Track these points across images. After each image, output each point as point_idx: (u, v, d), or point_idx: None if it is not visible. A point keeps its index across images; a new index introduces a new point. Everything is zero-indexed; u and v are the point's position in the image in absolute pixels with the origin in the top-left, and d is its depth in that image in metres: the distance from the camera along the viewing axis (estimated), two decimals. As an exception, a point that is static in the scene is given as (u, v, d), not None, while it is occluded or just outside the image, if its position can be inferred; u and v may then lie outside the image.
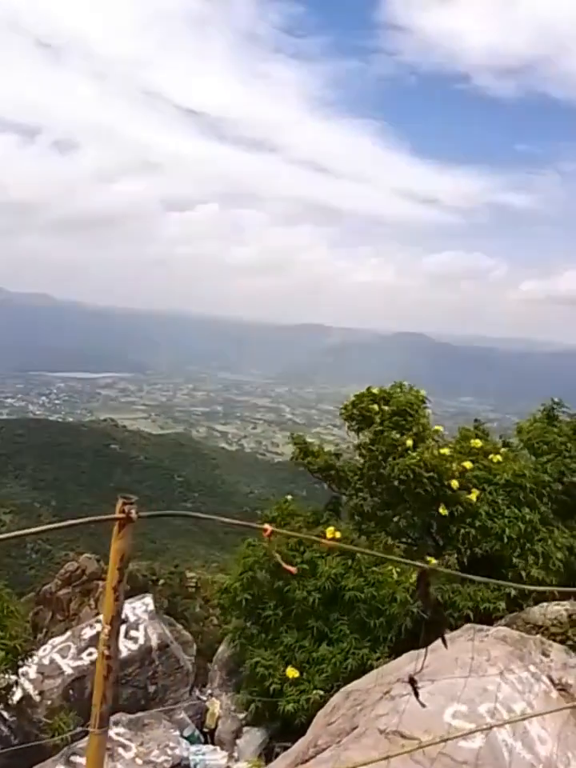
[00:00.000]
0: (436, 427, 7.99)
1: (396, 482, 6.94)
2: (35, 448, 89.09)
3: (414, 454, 6.95)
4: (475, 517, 7.01)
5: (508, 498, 7.23)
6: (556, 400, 8.85)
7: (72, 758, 4.99)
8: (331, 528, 6.73)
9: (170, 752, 5.41)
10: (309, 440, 8.50)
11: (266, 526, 2.44)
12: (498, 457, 7.63)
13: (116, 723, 5.40)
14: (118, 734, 5.34)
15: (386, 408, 7.55)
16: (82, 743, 5.04)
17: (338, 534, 6.64)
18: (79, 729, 5.16)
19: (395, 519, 7.29)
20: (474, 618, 6.73)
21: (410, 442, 7.17)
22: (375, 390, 7.97)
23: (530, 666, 4.32)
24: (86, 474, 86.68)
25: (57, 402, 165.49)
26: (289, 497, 8.08)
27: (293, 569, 4.08)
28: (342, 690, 4.79)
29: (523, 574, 6.83)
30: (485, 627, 4.92)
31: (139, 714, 5.81)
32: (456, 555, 6.90)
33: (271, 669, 6.27)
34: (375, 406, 7.62)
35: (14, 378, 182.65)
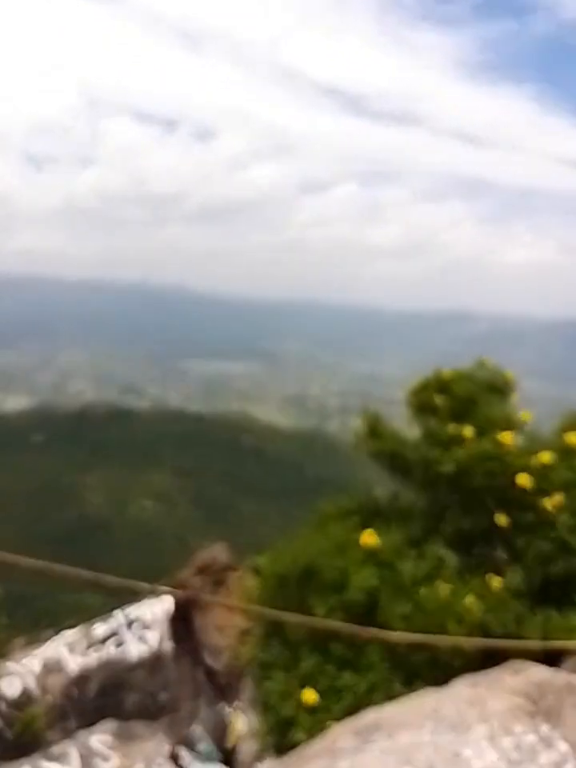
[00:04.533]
0: (523, 414, 6.89)
1: (445, 479, 6.03)
2: (173, 438, 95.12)
3: (468, 445, 6.00)
4: (552, 527, 5.92)
5: (600, 507, 6.04)
6: None
7: (41, 764, 4.82)
8: (369, 531, 5.95)
9: (156, 768, 5.09)
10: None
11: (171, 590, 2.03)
12: (596, 456, 6.41)
13: (102, 730, 5.17)
14: (100, 742, 5.10)
15: (448, 396, 6.62)
16: (59, 747, 4.88)
17: (374, 540, 5.86)
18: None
19: (442, 525, 6.36)
20: (544, 653, 5.70)
21: (469, 433, 6.18)
22: (446, 375, 7.03)
23: (542, 727, 3.39)
24: (219, 465, 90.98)
25: (193, 390, 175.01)
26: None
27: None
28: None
29: (610, 603, 5.66)
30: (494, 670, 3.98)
31: (131, 722, 5.54)
32: (524, 574, 5.87)
33: (287, 695, 5.69)
34: (438, 398, 6.71)
35: (155, 367, 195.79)
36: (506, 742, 3.19)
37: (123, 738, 5.29)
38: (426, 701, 3.54)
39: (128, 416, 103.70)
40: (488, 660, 5.51)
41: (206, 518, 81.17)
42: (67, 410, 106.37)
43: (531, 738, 3.31)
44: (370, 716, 3.57)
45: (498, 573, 5.99)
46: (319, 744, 3.46)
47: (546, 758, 3.25)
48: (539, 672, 4.33)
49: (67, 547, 72.28)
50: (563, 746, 3.40)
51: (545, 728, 3.44)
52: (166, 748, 5.39)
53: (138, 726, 5.54)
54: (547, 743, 3.35)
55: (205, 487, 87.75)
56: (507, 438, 5.96)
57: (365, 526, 6.74)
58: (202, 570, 13.47)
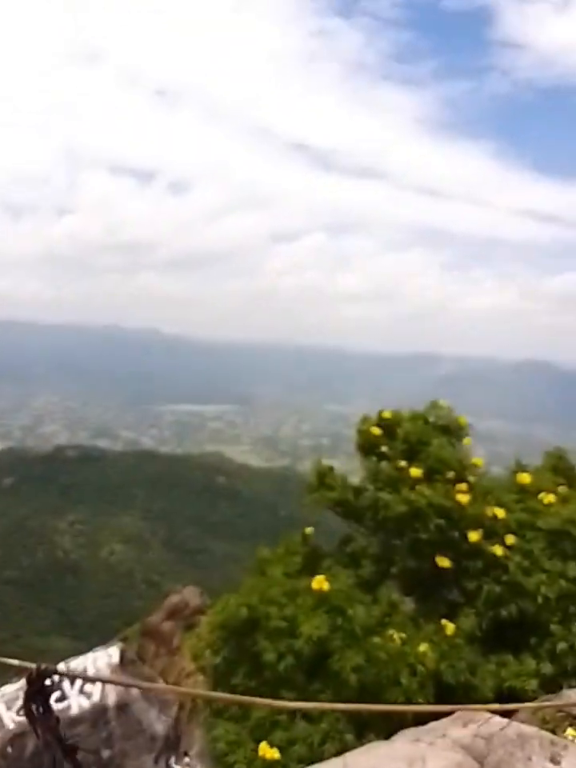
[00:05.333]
0: (475, 460, 6.80)
1: (394, 521, 5.88)
2: (146, 479, 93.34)
3: (419, 490, 5.85)
4: (504, 570, 5.76)
5: (551, 549, 5.91)
6: None
7: None
8: (320, 577, 5.71)
9: None
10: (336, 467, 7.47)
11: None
12: (551, 497, 6.31)
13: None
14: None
15: (398, 436, 6.52)
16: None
17: (324, 586, 5.61)
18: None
19: (393, 568, 6.16)
20: (497, 701, 5.45)
21: (417, 472, 6.05)
22: (387, 414, 6.96)
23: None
24: (192, 507, 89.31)
25: (166, 433, 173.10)
26: (308, 530, 7.10)
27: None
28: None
29: (564, 645, 5.47)
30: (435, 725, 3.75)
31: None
32: (475, 618, 5.67)
33: (235, 746, 5.35)
34: (377, 430, 6.62)
35: (128, 411, 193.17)
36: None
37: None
38: (362, 760, 3.30)
39: (100, 458, 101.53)
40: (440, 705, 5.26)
41: (177, 560, 79.22)
42: (39, 453, 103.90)
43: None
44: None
45: (452, 616, 5.78)
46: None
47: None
48: (490, 723, 4.10)
49: (38, 591, 69.81)
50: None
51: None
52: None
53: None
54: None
55: (177, 529, 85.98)
56: (462, 496, 5.85)
57: (309, 570, 6.51)
58: (173, 614, 12.99)
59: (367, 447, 6.78)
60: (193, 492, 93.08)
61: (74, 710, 5.76)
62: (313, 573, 6.32)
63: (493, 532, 5.98)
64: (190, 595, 12.85)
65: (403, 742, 3.45)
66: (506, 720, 4.25)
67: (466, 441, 7.08)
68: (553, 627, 5.57)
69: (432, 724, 4.01)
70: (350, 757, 3.58)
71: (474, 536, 5.66)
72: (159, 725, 6.34)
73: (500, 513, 6.11)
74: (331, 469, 6.96)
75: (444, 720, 4.19)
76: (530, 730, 4.00)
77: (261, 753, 5.21)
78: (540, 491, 6.45)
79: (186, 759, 6.55)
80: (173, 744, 6.49)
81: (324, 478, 6.93)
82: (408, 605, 5.93)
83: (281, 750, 5.05)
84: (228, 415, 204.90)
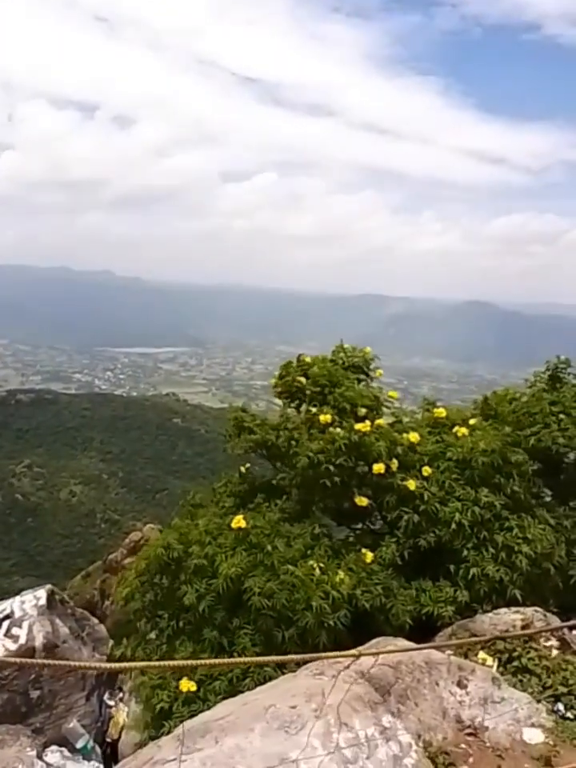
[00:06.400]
0: (390, 392, 6.70)
1: (302, 470, 5.77)
2: (102, 421, 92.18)
3: (325, 435, 5.72)
4: (420, 499, 5.74)
5: (462, 477, 5.91)
6: (563, 359, 7.35)
7: None
8: (239, 517, 5.57)
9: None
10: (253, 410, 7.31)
11: None
12: (463, 430, 6.27)
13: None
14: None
15: (311, 378, 6.36)
16: None
17: (243, 523, 5.48)
18: None
19: (305, 503, 6.09)
20: (416, 627, 5.53)
21: (326, 418, 5.91)
22: (308, 358, 6.78)
23: (384, 718, 3.11)
24: (150, 447, 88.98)
25: (121, 376, 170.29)
26: (243, 467, 6.94)
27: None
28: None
29: (476, 570, 5.54)
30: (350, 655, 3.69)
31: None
32: (395, 547, 5.66)
33: (159, 689, 5.27)
34: (302, 379, 6.43)
35: (81, 354, 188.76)
36: (341, 738, 2.90)
37: (-21, 745, 4.75)
38: (261, 697, 3.21)
39: (55, 401, 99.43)
40: (359, 632, 5.30)
41: (137, 499, 79.37)
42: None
43: (370, 731, 3.04)
44: (201, 718, 3.21)
45: (376, 546, 5.77)
46: (143, 754, 3.07)
47: (384, 752, 2.97)
48: (400, 649, 4.09)
49: (0, 533, 69.22)
50: (405, 737, 3.14)
51: (387, 719, 3.18)
52: (29, 753, 4.87)
53: (-1, 730, 4.99)
54: (388, 736, 3.08)
55: (135, 469, 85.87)
56: (363, 427, 5.73)
57: (242, 508, 6.40)
58: (134, 550, 13.11)
59: (284, 391, 6.62)
60: (149, 433, 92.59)
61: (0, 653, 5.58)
62: (246, 510, 6.21)
63: (408, 465, 5.94)
64: (150, 532, 13.20)
65: (306, 676, 3.38)
66: (417, 647, 4.26)
67: (378, 373, 6.96)
68: (466, 554, 5.62)
69: (333, 658, 3.96)
70: (251, 694, 3.50)
71: (377, 468, 5.60)
72: (93, 662, 6.24)
73: (414, 438, 6.06)
74: (246, 412, 6.80)
75: (356, 649, 4.17)
76: (438, 655, 4.01)
77: (182, 688, 5.15)
78: (454, 425, 6.42)
79: (121, 694, 6.51)
80: (107, 680, 6.43)
81: (242, 422, 6.74)
82: (327, 541, 5.88)
83: (200, 684, 5.00)
84: (182, 357, 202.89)
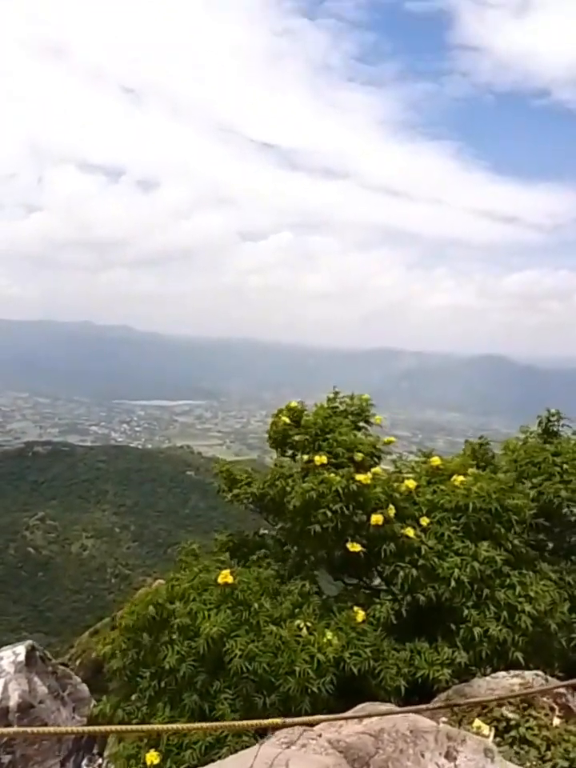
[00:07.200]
0: (388, 438, 6.49)
1: (292, 515, 5.53)
2: (116, 474, 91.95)
3: (317, 478, 5.49)
4: (418, 553, 5.44)
5: (460, 527, 5.62)
6: (553, 411, 7.18)
7: None
8: (225, 572, 5.29)
9: None
10: (246, 466, 7.14)
11: None
12: (462, 478, 6.03)
13: None
14: None
15: (304, 425, 6.21)
16: None
17: (229, 579, 5.20)
18: None
19: (299, 558, 5.80)
20: (412, 690, 5.15)
21: (322, 459, 5.70)
22: (294, 404, 6.65)
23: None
24: (163, 500, 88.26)
25: (137, 429, 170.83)
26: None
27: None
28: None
29: (478, 631, 5.19)
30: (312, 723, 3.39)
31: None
32: (391, 604, 5.34)
33: (134, 760, 4.90)
34: (286, 418, 6.29)
35: (99, 407, 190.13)
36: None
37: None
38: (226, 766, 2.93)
39: (71, 454, 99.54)
40: (349, 697, 4.93)
41: (148, 553, 78.22)
42: (8, 450, 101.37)
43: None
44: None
45: (370, 603, 5.45)
46: None
47: None
48: (384, 718, 3.77)
49: (10, 587, 68.24)
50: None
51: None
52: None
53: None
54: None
55: (148, 523, 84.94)
56: (363, 477, 5.51)
57: (237, 562, 6.13)
58: None
59: (278, 440, 6.45)
60: (163, 486, 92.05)
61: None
62: (238, 564, 5.95)
63: (405, 515, 5.68)
64: (158, 587, 12.80)
65: (271, 745, 3.09)
66: (403, 712, 3.94)
67: (377, 419, 6.77)
68: (467, 612, 5.28)
69: (318, 719, 3.67)
70: (214, 765, 3.21)
71: (376, 518, 5.33)
72: (71, 726, 5.87)
73: (411, 484, 5.82)
74: (230, 467, 6.65)
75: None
76: (426, 723, 3.69)
77: (147, 760, 4.78)
78: (453, 474, 6.19)
79: (99, 760, 6.11)
80: (85, 745, 6.05)
81: (231, 476, 6.57)
82: (330, 592, 5.58)
83: (168, 754, 4.63)
84: (197, 410, 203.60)
